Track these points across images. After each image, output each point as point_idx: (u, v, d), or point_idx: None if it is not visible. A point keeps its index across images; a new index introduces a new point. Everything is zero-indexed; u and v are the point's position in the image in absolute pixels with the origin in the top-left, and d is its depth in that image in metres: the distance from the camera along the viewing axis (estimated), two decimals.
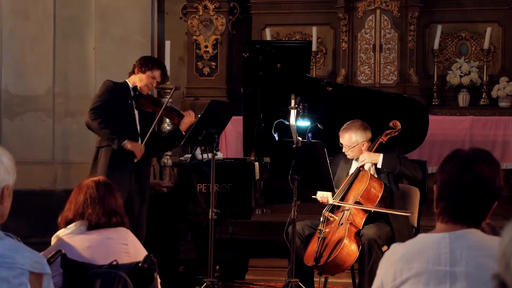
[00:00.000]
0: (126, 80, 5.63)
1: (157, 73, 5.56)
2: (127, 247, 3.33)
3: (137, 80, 5.56)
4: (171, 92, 5.85)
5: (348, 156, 5.55)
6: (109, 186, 3.44)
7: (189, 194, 5.74)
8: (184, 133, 5.69)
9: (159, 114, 5.56)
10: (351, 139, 5.47)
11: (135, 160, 5.47)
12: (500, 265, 1.66)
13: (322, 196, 5.44)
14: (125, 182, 5.37)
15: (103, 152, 5.44)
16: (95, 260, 3.21)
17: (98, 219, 3.33)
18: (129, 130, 5.52)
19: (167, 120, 7.53)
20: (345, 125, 5.53)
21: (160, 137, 5.93)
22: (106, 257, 3.20)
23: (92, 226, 3.33)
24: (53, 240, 3.42)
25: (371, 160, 5.39)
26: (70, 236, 3.32)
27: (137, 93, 5.55)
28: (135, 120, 5.56)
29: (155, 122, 5.61)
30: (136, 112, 5.57)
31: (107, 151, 5.42)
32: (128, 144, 5.40)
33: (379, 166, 5.37)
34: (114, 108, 5.47)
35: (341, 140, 5.52)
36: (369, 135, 5.52)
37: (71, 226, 3.35)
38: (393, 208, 5.36)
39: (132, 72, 5.61)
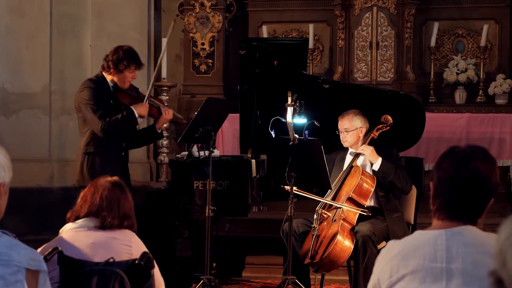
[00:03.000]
0: (103, 73, 5.51)
1: (133, 67, 5.47)
2: (130, 248, 3.31)
3: (116, 79, 5.46)
4: (150, 87, 5.76)
5: (344, 144, 5.54)
6: (124, 188, 3.42)
7: (186, 191, 5.74)
8: (159, 132, 5.67)
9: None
10: (351, 121, 5.47)
11: (139, 120, 5.47)
12: (496, 261, 1.66)
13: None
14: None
15: (91, 158, 5.40)
16: (96, 257, 3.20)
17: (112, 221, 3.31)
18: None
19: None
20: (343, 112, 5.54)
21: (136, 133, 5.82)
22: (107, 256, 3.19)
23: (103, 227, 3.30)
24: (60, 234, 3.41)
25: (370, 157, 5.38)
26: (77, 230, 3.30)
27: (116, 89, 5.49)
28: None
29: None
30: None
31: (95, 157, 5.42)
32: (138, 112, 5.43)
33: (374, 168, 5.37)
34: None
35: (340, 125, 5.51)
36: (367, 124, 5.54)
37: (80, 221, 3.32)
38: (387, 205, 5.37)
39: (108, 69, 5.46)
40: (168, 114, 5.61)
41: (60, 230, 3.41)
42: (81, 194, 3.41)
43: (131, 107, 5.44)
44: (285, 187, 5.27)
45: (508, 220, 1.69)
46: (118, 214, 3.32)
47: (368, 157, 5.40)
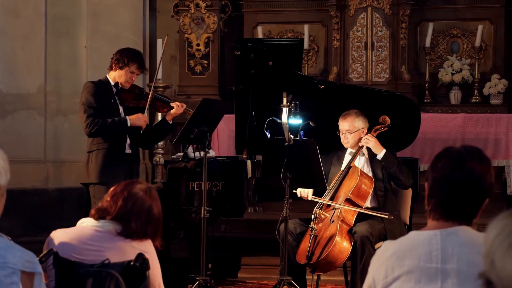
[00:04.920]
0: (107, 76, 5.63)
1: (134, 67, 5.54)
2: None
3: (116, 76, 5.56)
4: (152, 86, 5.81)
5: (345, 145, 5.52)
6: (155, 197, 3.36)
7: (181, 192, 5.74)
8: (171, 123, 5.70)
9: (147, 107, 5.57)
10: (354, 123, 5.46)
11: (141, 131, 5.56)
12: (485, 263, 1.66)
13: (302, 191, 5.42)
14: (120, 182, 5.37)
15: (94, 156, 5.47)
16: (110, 260, 3.15)
17: (137, 230, 3.24)
18: None
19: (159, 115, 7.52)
20: (344, 113, 5.53)
21: (151, 130, 5.93)
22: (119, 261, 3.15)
23: (126, 234, 3.23)
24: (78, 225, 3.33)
25: (374, 147, 5.37)
26: (97, 230, 3.24)
27: (119, 88, 5.56)
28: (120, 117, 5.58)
29: (146, 108, 5.61)
30: (120, 108, 5.59)
31: (98, 154, 5.46)
32: (132, 122, 5.49)
33: (379, 157, 5.37)
34: (101, 108, 5.49)
35: (342, 126, 5.49)
36: (367, 124, 5.53)
37: (104, 222, 3.24)
38: (385, 205, 5.37)
39: (111, 68, 5.61)
40: (179, 108, 5.65)
41: (79, 222, 3.33)
42: (112, 193, 3.30)
43: (127, 117, 5.50)
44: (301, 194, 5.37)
45: (494, 221, 1.69)
46: (145, 225, 3.26)
47: (372, 147, 5.40)
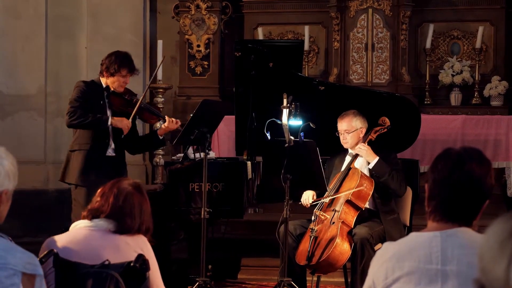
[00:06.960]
0: (99, 78, 5.59)
1: (125, 72, 5.49)
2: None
3: (109, 82, 5.53)
4: (143, 95, 5.78)
5: (345, 145, 5.52)
6: (144, 192, 3.36)
7: (181, 193, 5.74)
8: (161, 138, 5.67)
9: (132, 115, 5.52)
10: (351, 122, 5.45)
11: (122, 136, 5.50)
12: (478, 268, 1.66)
13: (304, 199, 5.45)
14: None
15: (75, 156, 5.46)
16: (104, 259, 3.14)
17: (131, 226, 3.24)
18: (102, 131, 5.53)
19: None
20: (342, 113, 5.53)
21: (137, 138, 5.87)
22: (117, 260, 3.14)
23: (121, 231, 3.23)
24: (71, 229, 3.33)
25: (367, 155, 5.38)
26: (92, 229, 3.24)
27: (110, 92, 5.54)
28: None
29: (132, 116, 5.54)
30: (109, 111, 5.56)
31: (79, 154, 5.45)
32: (113, 122, 5.44)
33: (370, 166, 5.38)
34: (89, 109, 5.47)
35: (340, 127, 5.48)
36: (366, 123, 5.53)
37: (97, 221, 3.24)
38: (384, 207, 5.37)
39: (102, 74, 5.55)
40: (172, 123, 5.58)
41: (73, 225, 3.33)
42: (100, 193, 3.30)
43: (110, 117, 5.46)
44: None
45: (490, 227, 1.69)
46: (139, 220, 3.27)
47: (365, 156, 5.39)
